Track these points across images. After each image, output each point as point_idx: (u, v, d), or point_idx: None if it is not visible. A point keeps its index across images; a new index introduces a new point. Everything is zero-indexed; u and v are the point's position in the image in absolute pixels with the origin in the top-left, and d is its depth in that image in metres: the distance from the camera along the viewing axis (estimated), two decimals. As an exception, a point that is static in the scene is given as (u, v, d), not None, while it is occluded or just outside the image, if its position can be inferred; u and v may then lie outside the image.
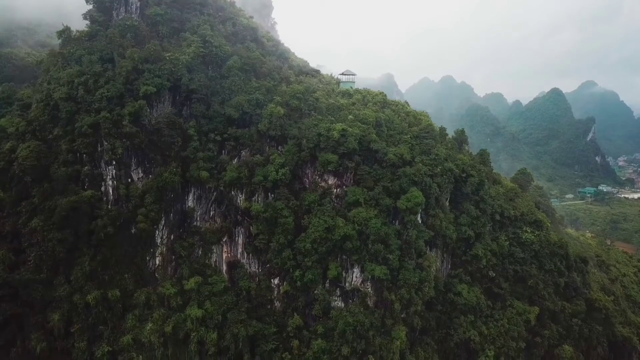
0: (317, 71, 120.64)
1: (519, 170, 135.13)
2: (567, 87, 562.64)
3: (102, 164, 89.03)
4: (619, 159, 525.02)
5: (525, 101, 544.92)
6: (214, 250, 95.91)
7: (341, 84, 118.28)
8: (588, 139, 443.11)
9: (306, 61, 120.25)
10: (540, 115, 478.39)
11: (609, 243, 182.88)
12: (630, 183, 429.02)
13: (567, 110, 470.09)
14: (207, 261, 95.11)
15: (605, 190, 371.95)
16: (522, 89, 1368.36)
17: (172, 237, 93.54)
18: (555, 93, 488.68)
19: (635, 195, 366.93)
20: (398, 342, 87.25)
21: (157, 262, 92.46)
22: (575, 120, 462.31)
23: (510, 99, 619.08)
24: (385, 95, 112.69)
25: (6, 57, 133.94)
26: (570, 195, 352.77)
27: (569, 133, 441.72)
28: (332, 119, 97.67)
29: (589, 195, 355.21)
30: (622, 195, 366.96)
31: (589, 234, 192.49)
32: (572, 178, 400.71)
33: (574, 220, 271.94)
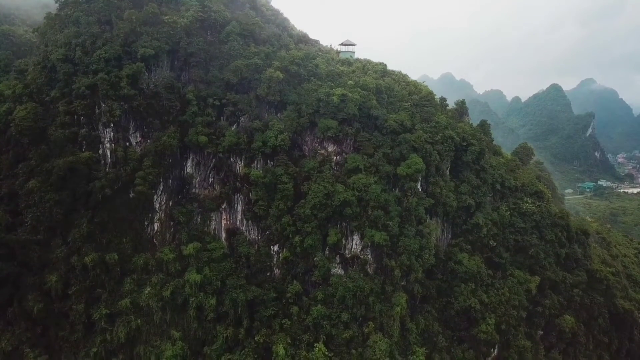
0: (317, 41, 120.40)
1: (520, 145, 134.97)
2: (567, 85, 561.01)
3: (100, 127, 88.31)
4: (618, 155, 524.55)
5: (524, 99, 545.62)
6: (213, 218, 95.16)
7: (341, 54, 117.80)
8: (587, 134, 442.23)
9: (305, 32, 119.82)
10: (540, 111, 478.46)
11: (609, 227, 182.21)
12: (629, 178, 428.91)
13: (566, 105, 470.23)
14: (205, 228, 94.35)
15: (604, 185, 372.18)
16: (522, 88, 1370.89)
17: (170, 203, 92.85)
18: (555, 89, 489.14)
19: (635, 190, 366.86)
20: (398, 309, 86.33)
21: (156, 228, 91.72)
22: (574, 115, 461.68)
23: (509, 96, 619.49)
24: (386, 65, 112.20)
25: (4, 34, 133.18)
26: (569, 190, 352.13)
27: (568, 128, 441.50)
28: (332, 84, 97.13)
29: (588, 190, 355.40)
30: (622, 190, 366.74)
31: (589, 219, 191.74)
32: (572, 173, 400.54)
33: (574, 213, 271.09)
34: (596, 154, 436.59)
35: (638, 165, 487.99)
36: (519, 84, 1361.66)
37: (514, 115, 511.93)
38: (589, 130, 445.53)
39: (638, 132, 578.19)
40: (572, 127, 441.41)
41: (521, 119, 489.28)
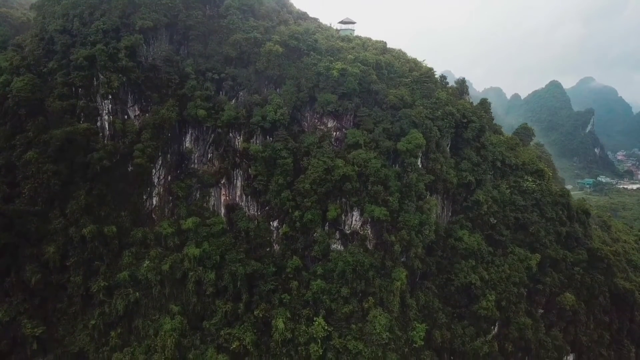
0: (316, 19, 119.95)
1: (521, 125, 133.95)
2: (566, 84, 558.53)
3: (98, 98, 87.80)
4: (617, 153, 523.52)
5: (524, 96, 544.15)
6: (212, 194, 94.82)
7: (340, 32, 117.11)
8: (587, 130, 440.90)
9: (305, 12, 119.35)
10: (539, 108, 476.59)
11: (609, 215, 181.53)
12: (629, 175, 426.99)
13: (565, 102, 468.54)
14: (204, 204, 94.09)
15: (604, 181, 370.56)
16: (521, 87, 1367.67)
17: (169, 177, 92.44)
18: (554, 85, 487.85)
19: (634, 186, 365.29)
20: (398, 283, 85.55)
21: (154, 202, 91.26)
22: (574, 112, 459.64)
23: (508, 94, 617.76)
24: (386, 43, 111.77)
25: (2, 16, 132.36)
26: (569, 186, 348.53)
27: (567, 125, 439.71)
28: (332, 59, 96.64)
29: (587, 186, 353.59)
30: (621, 186, 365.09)
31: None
32: (571, 169, 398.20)
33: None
34: (596, 150, 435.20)
35: (638, 163, 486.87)
36: (519, 82, 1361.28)
37: (513, 112, 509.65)
38: (589, 127, 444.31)
39: (637, 130, 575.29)
40: (571, 123, 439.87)
41: (520, 116, 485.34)
